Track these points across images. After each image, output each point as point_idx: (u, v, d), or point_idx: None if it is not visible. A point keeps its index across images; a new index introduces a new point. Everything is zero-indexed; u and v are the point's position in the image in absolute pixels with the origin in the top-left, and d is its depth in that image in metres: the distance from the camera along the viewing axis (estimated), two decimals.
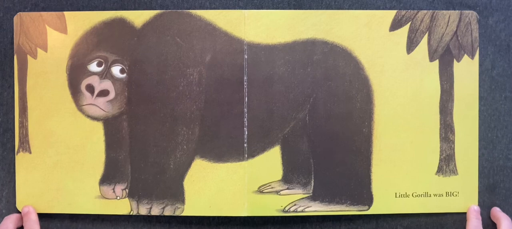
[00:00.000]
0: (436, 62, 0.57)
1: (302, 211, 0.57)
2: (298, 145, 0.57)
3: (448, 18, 0.57)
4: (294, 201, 0.57)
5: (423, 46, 0.57)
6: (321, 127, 0.57)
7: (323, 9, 0.58)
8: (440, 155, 0.58)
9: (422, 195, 0.58)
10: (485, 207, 0.58)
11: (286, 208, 0.57)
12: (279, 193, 0.57)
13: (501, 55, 0.59)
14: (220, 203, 0.56)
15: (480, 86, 0.58)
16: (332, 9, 0.58)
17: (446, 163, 0.58)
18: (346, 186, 0.57)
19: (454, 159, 0.58)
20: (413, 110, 0.57)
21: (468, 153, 0.58)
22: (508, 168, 0.59)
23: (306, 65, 0.56)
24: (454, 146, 0.58)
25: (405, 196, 0.57)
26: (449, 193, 0.58)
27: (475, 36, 0.58)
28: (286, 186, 0.57)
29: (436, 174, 0.58)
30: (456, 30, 0.58)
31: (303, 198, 0.57)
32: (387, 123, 0.57)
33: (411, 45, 0.57)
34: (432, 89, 0.57)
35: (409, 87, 0.57)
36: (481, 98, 0.58)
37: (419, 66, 0.57)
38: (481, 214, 0.57)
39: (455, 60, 0.58)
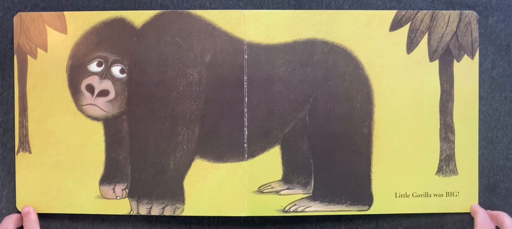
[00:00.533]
0: (436, 62, 0.57)
1: (302, 211, 0.56)
2: (298, 145, 0.56)
3: (448, 18, 0.57)
4: (294, 201, 0.56)
5: (423, 46, 0.57)
6: (321, 127, 0.56)
7: (323, 9, 0.58)
8: (440, 155, 0.57)
9: (422, 195, 0.57)
10: (485, 207, 0.57)
11: (286, 208, 0.56)
12: (279, 193, 0.56)
13: (501, 55, 0.58)
14: (220, 203, 0.56)
15: (480, 86, 0.57)
16: (332, 9, 0.58)
17: (446, 163, 0.57)
18: (346, 186, 0.57)
19: (454, 159, 0.57)
20: (413, 110, 0.57)
21: (468, 153, 0.57)
22: (508, 168, 0.58)
23: (306, 65, 0.56)
24: (454, 146, 0.57)
25: (405, 196, 0.57)
26: (449, 193, 0.57)
27: (475, 36, 0.57)
28: (286, 186, 0.56)
29: (436, 174, 0.57)
30: (456, 30, 0.57)
31: (303, 198, 0.57)
32: (387, 123, 0.57)
33: (411, 45, 0.57)
34: (432, 89, 0.57)
35: (409, 87, 0.57)
36: (481, 98, 0.58)
37: (419, 66, 0.57)
38: None
39: (455, 60, 0.57)
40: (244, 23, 0.56)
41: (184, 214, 0.56)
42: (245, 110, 0.56)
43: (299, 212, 0.56)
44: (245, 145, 0.56)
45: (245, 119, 0.56)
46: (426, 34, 0.57)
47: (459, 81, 0.57)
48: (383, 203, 0.57)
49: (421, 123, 0.57)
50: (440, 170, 0.57)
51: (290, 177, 0.56)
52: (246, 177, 0.56)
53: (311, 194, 0.57)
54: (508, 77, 0.58)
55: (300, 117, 0.56)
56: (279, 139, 0.56)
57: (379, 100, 0.57)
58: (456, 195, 0.57)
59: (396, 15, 0.57)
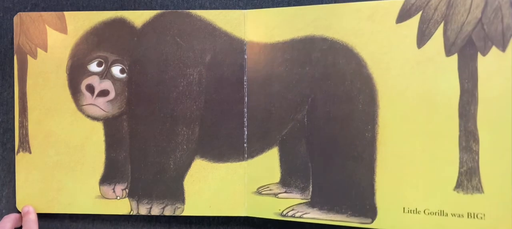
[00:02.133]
0: (455, 56, 0.47)
1: (300, 217, 0.52)
2: (297, 147, 0.52)
3: (470, 4, 0.47)
4: (292, 205, 0.52)
5: (437, 38, 0.47)
6: (320, 129, 0.51)
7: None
8: (460, 168, 0.47)
9: (437, 214, 0.47)
10: None
11: (284, 212, 0.52)
12: (277, 196, 0.52)
13: None
14: (220, 203, 0.53)
15: None
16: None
17: (468, 178, 0.46)
18: (347, 194, 0.50)
19: (479, 173, 0.46)
20: (425, 113, 0.48)
21: (497, 167, 0.45)
22: None
23: (304, 64, 0.51)
24: (478, 157, 0.46)
25: (415, 212, 0.48)
26: (472, 215, 0.46)
27: (508, 23, 0.45)
28: (284, 189, 0.52)
29: (454, 190, 0.47)
30: (481, 17, 0.46)
31: (301, 203, 0.52)
32: (394, 127, 0.48)
33: (422, 37, 0.48)
34: (449, 89, 0.47)
35: (420, 87, 0.48)
36: None
37: (432, 62, 0.47)
38: None
39: (479, 54, 0.46)
40: (244, 23, 0.53)
41: (184, 214, 0.53)
42: (245, 110, 0.53)
43: (297, 217, 0.52)
44: (245, 145, 0.53)
45: (245, 119, 0.53)
46: (441, 24, 0.47)
47: (485, 79, 0.46)
48: (389, 217, 0.49)
49: (436, 129, 0.47)
50: (459, 186, 0.47)
51: (288, 180, 0.52)
52: (246, 177, 0.53)
53: (309, 200, 0.51)
54: None
55: (298, 118, 0.52)
56: (277, 140, 0.52)
57: (384, 101, 0.49)
58: (481, 218, 0.46)
59: (404, 4, 0.49)
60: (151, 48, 0.53)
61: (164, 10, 0.54)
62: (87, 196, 0.54)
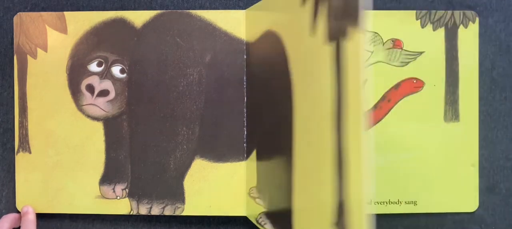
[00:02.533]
0: (333, 43, 0.32)
1: (263, 227, 0.47)
2: (264, 151, 0.49)
3: None
4: (261, 213, 0.49)
5: (323, 19, 0.33)
6: (270, 135, 0.45)
7: None
8: (337, 196, 0.32)
9: None
10: (485, 207, 0.54)
11: (257, 218, 0.50)
12: (256, 201, 0.51)
13: (501, 55, 0.55)
14: (220, 203, 0.53)
15: (480, 87, 0.53)
16: None
17: (339, 214, 0.32)
18: (281, 213, 0.43)
19: (345, 210, 0.31)
20: (317, 123, 0.35)
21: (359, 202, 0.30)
22: (508, 168, 0.55)
23: (265, 62, 0.47)
24: (345, 189, 0.31)
25: None
26: None
27: None
28: (258, 195, 0.51)
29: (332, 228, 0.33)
30: None
31: (263, 212, 0.49)
32: (304, 143, 0.37)
33: (314, 19, 0.34)
34: (326, 89, 0.33)
35: (313, 85, 0.35)
36: (481, 98, 0.54)
37: (318, 52, 0.34)
38: (481, 217, 0.53)
39: (341, 37, 0.31)
40: (244, 23, 0.53)
41: (184, 214, 0.53)
42: (245, 110, 0.52)
43: (263, 226, 0.48)
44: (245, 145, 0.52)
45: (245, 119, 0.53)
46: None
47: (348, 73, 0.31)
48: None
49: (315, 145, 0.35)
50: (337, 224, 0.32)
51: (260, 185, 0.50)
52: (245, 177, 0.53)
53: (267, 211, 0.48)
54: (508, 77, 0.55)
55: (263, 121, 0.49)
56: (255, 143, 0.51)
57: (297, 106, 0.38)
58: None
59: None
60: (151, 48, 0.53)
61: (164, 10, 0.53)
62: (87, 196, 0.53)
